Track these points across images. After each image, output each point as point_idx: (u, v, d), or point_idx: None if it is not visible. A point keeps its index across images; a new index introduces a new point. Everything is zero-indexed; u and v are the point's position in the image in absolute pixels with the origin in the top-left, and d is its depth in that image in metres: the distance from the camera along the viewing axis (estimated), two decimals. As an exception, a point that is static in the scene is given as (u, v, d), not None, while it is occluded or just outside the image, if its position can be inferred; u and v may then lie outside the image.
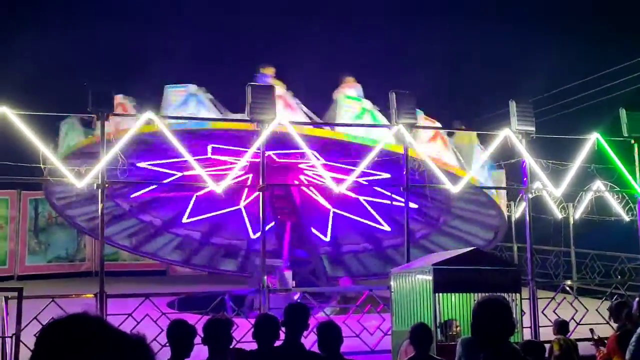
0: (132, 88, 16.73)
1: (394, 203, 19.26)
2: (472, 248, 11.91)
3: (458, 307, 10.59)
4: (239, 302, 16.46)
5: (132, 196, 20.49)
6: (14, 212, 24.02)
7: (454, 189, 15.43)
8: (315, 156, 15.48)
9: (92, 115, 13.82)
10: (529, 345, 7.69)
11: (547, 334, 12.65)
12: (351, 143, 15.89)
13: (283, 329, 5.85)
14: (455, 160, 16.67)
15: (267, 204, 14.43)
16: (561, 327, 10.59)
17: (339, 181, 15.41)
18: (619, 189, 17.98)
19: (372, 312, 14.45)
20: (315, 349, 6.09)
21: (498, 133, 15.45)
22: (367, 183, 17.84)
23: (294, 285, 17.37)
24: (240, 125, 15.16)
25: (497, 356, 4.10)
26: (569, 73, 28.97)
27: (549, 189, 16.76)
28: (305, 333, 5.87)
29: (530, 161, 15.50)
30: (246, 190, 19.84)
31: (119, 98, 15.45)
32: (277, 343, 5.80)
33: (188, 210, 20.99)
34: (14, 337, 11.08)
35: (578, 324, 14.25)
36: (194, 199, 20.52)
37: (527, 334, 13.00)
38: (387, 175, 18.58)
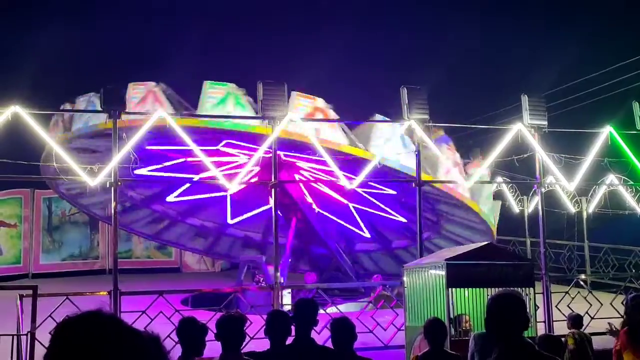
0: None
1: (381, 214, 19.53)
2: (485, 243, 11.87)
3: (471, 302, 10.55)
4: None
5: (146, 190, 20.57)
6: (27, 211, 24.13)
7: (466, 184, 15.42)
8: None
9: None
10: (546, 340, 7.66)
11: (561, 328, 12.61)
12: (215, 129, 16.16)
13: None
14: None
15: (277, 201, 14.43)
16: (575, 321, 10.55)
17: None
18: (632, 182, 17.89)
19: (385, 307, 14.44)
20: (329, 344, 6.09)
21: (510, 128, 15.40)
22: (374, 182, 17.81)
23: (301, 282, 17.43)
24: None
25: (511, 351, 4.08)
26: (582, 66, 28.82)
27: (562, 183, 16.69)
28: (318, 328, 5.87)
29: (543, 155, 15.44)
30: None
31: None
32: (289, 338, 5.80)
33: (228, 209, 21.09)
34: (29, 335, 11.15)
35: (592, 318, 14.19)
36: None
37: (541, 329, 12.96)
38: (392, 192, 18.73)
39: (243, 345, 5.79)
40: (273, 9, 35.91)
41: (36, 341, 11.00)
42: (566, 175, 16.14)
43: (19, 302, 11.98)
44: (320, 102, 16.05)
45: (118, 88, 13.42)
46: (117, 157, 13.26)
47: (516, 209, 22.88)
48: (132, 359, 1.83)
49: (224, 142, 17.90)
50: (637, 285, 17.08)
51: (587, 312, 13.98)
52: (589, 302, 14.83)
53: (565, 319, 11.27)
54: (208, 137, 16.48)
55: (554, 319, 14.17)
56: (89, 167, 13.85)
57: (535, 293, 10.81)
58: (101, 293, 13.28)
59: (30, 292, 11.73)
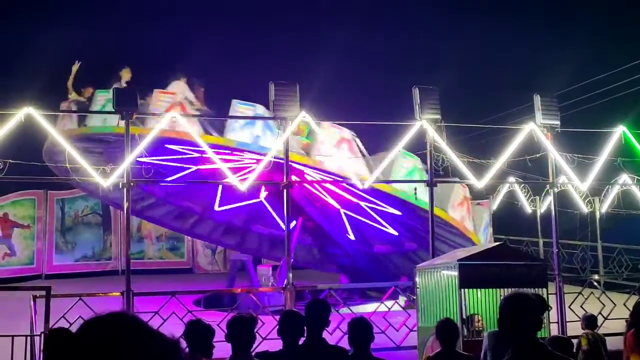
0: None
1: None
2: (498, 243, 11.85)
3: (483, 302, 10.53)
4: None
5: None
6: (40, 212, 24.23)
7: (479, 184, 15.38)
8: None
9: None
10: (556, 341, 7.64)
11: (574, 329, 12.57)
12: None
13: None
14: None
15: (290, 201, 14.42)
16: (589, 321, 10.51)
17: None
18: (645, 182, 17.81)
19: (397, 308, 14.43)
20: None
21: (523, 127, 15.36)
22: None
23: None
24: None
25: (524, 352, 4.07)
26: (594, 66, 28.69)
27: (575, 183, 16.63)
28: (330, 329, 5.88)
29: (556, 155, 15.39)
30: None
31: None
32: (302, 339, 5.81)
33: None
34: (42, 335, 11.19)
35: (606, 318, 14.13)
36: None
37: (554, 330, 12.92)
38: (397, 212, 18.73)
39: (256, 346, 5.80)
40: (274, 9, 35.94)
41: (50, 342, 11.03)
42: (579, 175, 16.08)
43: (32, 302, 12.03)
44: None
45: (131, 89, 13.46)
46: (130, 158, 13.29)
47: (529, 209, 22.81)
48: None
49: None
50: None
51: (600, 313, 13.93)
52: (602, 303, 14.77)
53: (579, 319, 11.23)
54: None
55: (567, 320, 14.11)
56: (101, 168, 13.90)
57: (548, 293, 10.77)
58: (114, 294, 13.33)
59: (43, 292, 11.77)
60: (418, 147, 15.52)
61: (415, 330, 12.27)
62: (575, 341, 9.67)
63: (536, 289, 9.99)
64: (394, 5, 37.25)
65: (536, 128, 15.11)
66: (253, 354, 5.78)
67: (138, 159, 14.38)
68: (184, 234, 24.02)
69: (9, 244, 23.55)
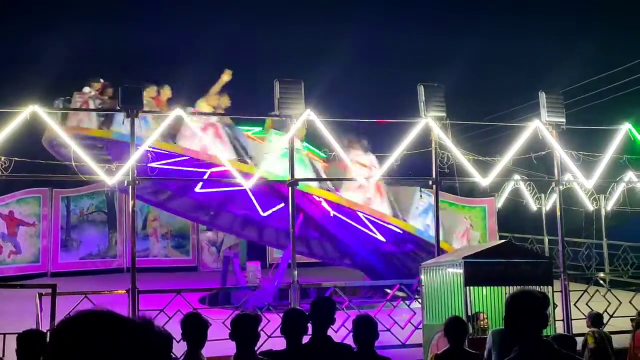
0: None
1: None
2: (503, 241, 11.84)
3: (489, 300, 10.52)
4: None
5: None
6: (46, 210, 24.26)
7: (484, 181, 15.37)
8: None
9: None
10: (560, 338, 7.63)
11: (579, 326, 12.55)
12: None
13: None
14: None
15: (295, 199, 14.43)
16: (595, 319, 10.49)
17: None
18: (651, 179, 17.78)
19: (403, 305, 14.42)
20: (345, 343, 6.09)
21: (528, 125, 15.34)
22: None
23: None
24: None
25: (530, 349, 4.07)
26: (600, 63, 28.64)
27: (580, 181, 16.60)
28: (335, 326, 5.88)
29: (561, 153, 15.36)
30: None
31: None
32: (306, 337, 5.81)
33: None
34: (48, 333, 11.21)
35: (611, 316, 14.11)
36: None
37: (559, 327, 12.90)
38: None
39: (260, 345, 5.80)
40: (280, 6, 35.96)
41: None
42: (584, 172, 16.05)
43: (38, 300, 12.06)
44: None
45: (137, 87, 13.46)
46: (135, 156, 13.31)
47: (534, 206, 22.79)
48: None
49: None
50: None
51: (605, 310, 13.90)
52: (607, 301, 14.75)
53: (584, 317, 11.21)
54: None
55: (572, 318, 14.10)
56: (107, 166, 13.91)
57: (553, 291, 10.76)
58: (119, 291, 13.34)
59: (49, 290, 11.80)
60: (423, 145, 15.50)
61: (420, 328, 12.27)
62: (580, 339, 9.67)
63: (541, 287, 9.98)
64: (400, 3, 37.22)
65: (541, 125, 15.08)
66: (257, 352, 5.78)
67: (149, 164, 14.48)
68: (207, 226, 23.82)
69: (14, 241, 23.58)
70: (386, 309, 14.07)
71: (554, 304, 11.09)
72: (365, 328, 5.89)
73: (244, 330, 5.51)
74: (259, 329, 5.78)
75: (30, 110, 12.76)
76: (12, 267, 23.12)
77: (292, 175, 14.02)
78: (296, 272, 13.71)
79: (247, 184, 14.79)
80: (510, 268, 10.40)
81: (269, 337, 11.49)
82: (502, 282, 10.30)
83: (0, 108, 13.25)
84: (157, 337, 1.92)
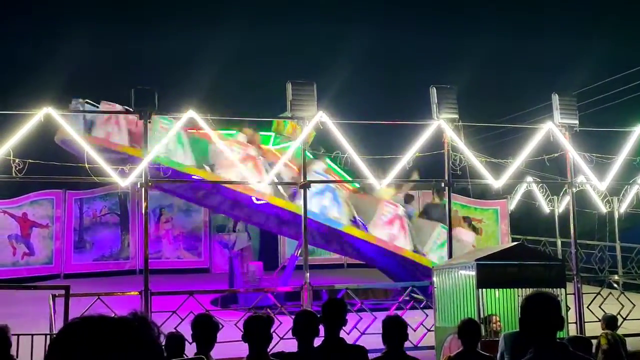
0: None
1: None
2: (515, 243, 11.81)
3: (501, 302, 10.49)
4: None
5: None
6: (59, 212, 24.36)
7: (497, 183, 15.33)
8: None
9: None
10: (575, 340, 7.60)
11: (592, 329, 12.51)
12: None
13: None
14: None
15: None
16: (609, 322, 10.44)
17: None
18: (665, 182, 17.69)
19: (415, 308, 14.40)
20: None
21: (541, 127, 15.29)
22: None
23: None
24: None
25: (546, 352, 4.05)
26: (613, 64, 28.52)
27: (593, 183, 16.54)
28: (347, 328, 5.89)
29: (574, 155, 15.31)
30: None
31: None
32: (318, 339, 5.82)
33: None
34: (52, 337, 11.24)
35: (624, 319, 14.04)
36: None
37: (572, 330, 12.85)
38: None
39: (272, 346, 5.81)
40: (292, 7, 35.99)
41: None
42: (597, 174, 15.99)
43: (51, 302, 12.11)
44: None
45: (150, 89, 13.49)
46: (148, 158, 13.36)
47: (547, 209, 22.71)
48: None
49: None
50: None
51: (619, 313, 13.83)
52: (621, 303, 14.67)
53: (597, 320, 11.17)
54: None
55: (585, 320, 14.04)
56: (119, 168, 13.96)
57: (566, 294, 10.72)
58: (132, 293, 13.39)
59: (62, 292, 11.85)
60: (435, 147, 15.49)
61: (432, 330, 12.25)
62: (594, 341, 9.62)
63: (554, 289, 9.95)
64: (411, 5, 37.19)
65: (554, 127, 15.03)
66: (270, 353, 5.79)
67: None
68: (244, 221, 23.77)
69: (28, 243, 23.71)
70: (398, 311, 14.04)
71: (566, 306, 11.04)
72: (395, 329, 5.92)
73: (257, 332, 5.52)
74: (272, 330, 5.78)
75: (44, 112, 12.83)
76: (25, 268, 23.24)
77: (304, 177, 14.04)
78: (308, 273, 13.71)
79: (262, 185, 14.88)
80: (523, 270, 10.36)
81: (281, 338, 11.49)
82: (515, 285, 10.27)
83: (15, 110, 13.34)
84: (149, 335, 1.94)
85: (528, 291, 7.91)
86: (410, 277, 18.73)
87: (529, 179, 20.32)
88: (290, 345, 6.80)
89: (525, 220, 25.81)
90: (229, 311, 16.08)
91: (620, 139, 16.14)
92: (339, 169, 18.00)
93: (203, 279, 22.61)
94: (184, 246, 26.25)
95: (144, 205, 13.50)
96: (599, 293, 15.07)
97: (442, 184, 15.00)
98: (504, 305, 10.45)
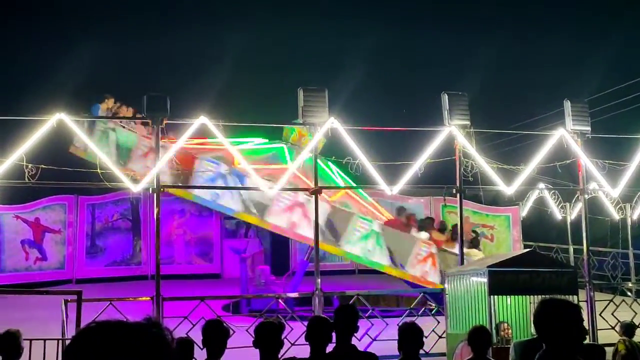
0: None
1: None
2: (527, 250, 11.78)
3: (513, 309, 10.46)
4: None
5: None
6: (71, 217, 24.45)
7: (508, 190, 15.30)
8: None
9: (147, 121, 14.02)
10: (589, 348, 7.56)
11: (605, 337, 12.45)
12: None
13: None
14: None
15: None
16: (627, 329, 10.40)
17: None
18: (678, 188, 17.60)
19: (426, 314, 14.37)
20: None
21: (553, 133, 15.26)
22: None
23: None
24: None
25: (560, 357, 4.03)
26: (626, 70, 28.43)
27: (606, 190, 16.48)
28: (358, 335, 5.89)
29: (586, 161, 15.26)
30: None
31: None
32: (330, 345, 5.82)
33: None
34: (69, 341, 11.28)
35: (637, 326, 13.94)
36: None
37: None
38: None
39: (283, 352, 5.81)
40: (305, 14, 36.03)
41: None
42: (610, 181, 15.93)
43: (64, 307, 12.15)
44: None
45: (161, 95, 13.55)
46: (160, 164, 13.41)
47: (559, 215, 22.63)
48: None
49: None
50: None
51: (632, 321, 13.76)
52: (634, 311, 14.60)
53: (610, 327, 11.11)
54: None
55: (598, 328, 13.97)
56: (132, 173, 14.02)
57: (579, 301, 10.67)
58: (144, 298, 13.42)
59: (75, 297, 11.89)
60: (446, 154, 15.47)
61: (444, 337, 12.22)
62: (608, 349, 9.57)
63: (566, 297, 9.90)
64: (421, 11, 37.19)
65: (566, 134, 15.00)
66: (281, 359, 5.80)
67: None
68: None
69: (40, 248, 23.79)
70: (409, 318, 14.02)
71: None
72: (411, 336, 5.91)
73: (268, 338, 5.53)
74: (283, 336, 5.79)
75: (56, 118, 12.90)
76: (37, 273, 23.32)
77: (316, 183, 14.06)
78: (319, 279, 13.71)
79: (274, 190, 14.93)
80: (535, 277, 10.34)
81: (292, 344, 11.50)
82: (527, 292, 10.25)
83: (27, 116, 13.42)
84: (165, 341, 1.95)
85: (540, 298, 7.88)
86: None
87: (541, 185, 20.26)
88: (302, 351, 6.80)
89: (537, 227, 25.70)
90: (240, 317, 16.10)
91: (633, 146, 16.08)
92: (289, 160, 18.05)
93: (215, 285, 22.64)
94: (195, 252, 26.28)
95: (155, 210, 13.54)
96: (611, 300, 15.00)
97: (454, 190, 14.98)
98: (515, 313, 10.42)
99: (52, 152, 14.25)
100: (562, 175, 18.09)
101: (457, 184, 14.76)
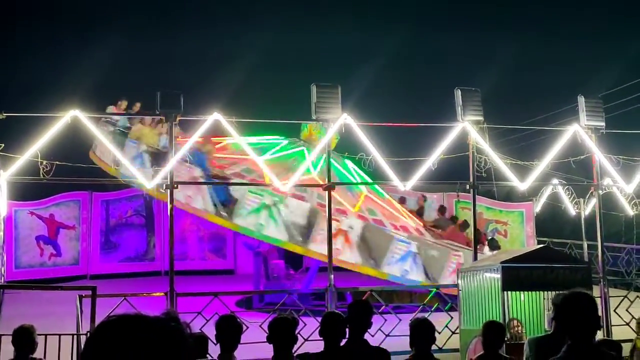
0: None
1: None
2: (541, 245, 11.75)
3: (527, 305, 10.44)
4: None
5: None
6: (85, 213, 24.56)
7: (522, 186, 15.25)
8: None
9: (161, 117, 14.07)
10: (605, 344, 7.54)
11: (619, 332, 12.41)
12: None
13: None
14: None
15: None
16: (645, 325, 10.35)
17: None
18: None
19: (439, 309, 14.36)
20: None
21: (567, 129, 15.20)
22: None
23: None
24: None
25: (578, 350, 4.03)
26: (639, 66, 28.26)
27: (620, 185, 16.40)
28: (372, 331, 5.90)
29: (601, 157, 15.20)
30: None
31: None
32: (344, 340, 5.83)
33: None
34: (88, 334, 11.35)
35: (652, 322, 13.90)
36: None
37: (599, 333, 12.74)
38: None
39: (297, 348, 5.82)
40: (319, 12, 36.02)
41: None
42: (624, 177, 15.86)
43: (78, 302, 12.22)
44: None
45: (175, 92, 13.59)
46: (174, 160, 13.45)
47: (573, 211, 22.53)
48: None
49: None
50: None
51: (646, 317, 13.72)
52: (648, 307, 14.55)
53: (624, 323, 11.06)
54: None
55: (612, 324, 13.92)
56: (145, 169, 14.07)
57: (593, 297, 10.62)
58: (158, 294, 13.49)
59: (89, 292, 11.95)
60: (459, 149, 15.45)
61: (457, 333, 12.21)
62: (624, 345, 9.54)
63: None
64: (436, 8, 37.10)
65: (580, 129, 14.95)
66: (295, 355, 5.81)
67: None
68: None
69: (55, 244, 23.92)
70: (423, 313, 14.02)
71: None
72: (422, 331, 5.90)
73: (282, 333, 5.55)
74: (296, 332, 5.80)
75: (71, 115, 12.96)
76: (52, 269, 23.46)
77: (329, 179, 14.07)
78: (332, 275, 13.73)
79: (285, 188, 14.95)
80: (549, 273, 10.30)
81: (306, 340, 11.52)
82: (540, 288, 10.22)
83: (42, 113, 13.49)
84: (183, 335, 1.96)
85: (553, 294, 7.86)
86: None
87: (555, 181, 20.20)
88: (315, 347, 6.82)
89: (551, 222, 25.62)
90: (254, 312, 16.14)
91: (647, 141, 16.01)
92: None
93: (228, 281, 22.70)
94: (208, 248, 26.36)
95: (169, 206, 13.58)
96: (625, 296, 14.94)
97: (467, 186, 14.96)
98: (529, 308, 10.40)
99: (66, 149, 14.33)
100: (576, 171, 18.03)
101: (471, 180, 14.73)
